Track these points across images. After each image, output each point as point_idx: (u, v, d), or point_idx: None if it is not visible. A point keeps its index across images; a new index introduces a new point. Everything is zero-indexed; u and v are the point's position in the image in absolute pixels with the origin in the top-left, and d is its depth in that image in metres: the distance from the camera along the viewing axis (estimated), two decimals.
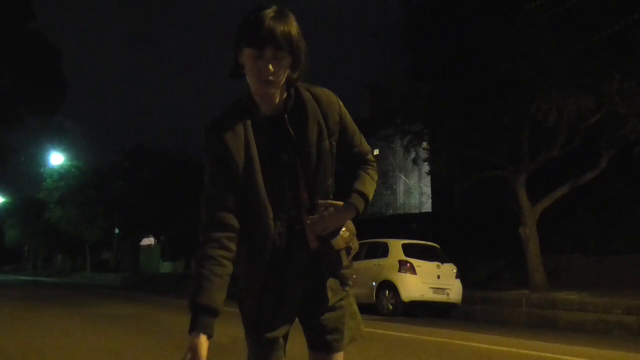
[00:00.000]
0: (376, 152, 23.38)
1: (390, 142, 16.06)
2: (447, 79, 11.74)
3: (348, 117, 1.69)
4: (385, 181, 24.91)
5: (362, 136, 1.75)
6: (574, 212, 13.56)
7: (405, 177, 25.59)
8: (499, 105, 11.29)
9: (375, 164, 1.76)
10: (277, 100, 1.59)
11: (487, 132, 11.61)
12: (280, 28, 1.49)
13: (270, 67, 1.51)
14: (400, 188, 26.13)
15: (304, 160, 1.59)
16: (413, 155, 13.49)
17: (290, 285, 1.62)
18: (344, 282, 1.68)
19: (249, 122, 1.59)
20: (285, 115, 1.59)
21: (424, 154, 14.02)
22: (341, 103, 1.68)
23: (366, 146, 1.75)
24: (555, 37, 10.06)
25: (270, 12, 1.50)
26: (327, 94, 1.65)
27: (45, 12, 49.19)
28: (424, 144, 13.81)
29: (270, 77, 1.52)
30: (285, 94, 1.60)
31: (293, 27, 1.53)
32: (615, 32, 9.31)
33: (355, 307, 1.77)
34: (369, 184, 1.70)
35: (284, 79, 1.55)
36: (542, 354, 5.85)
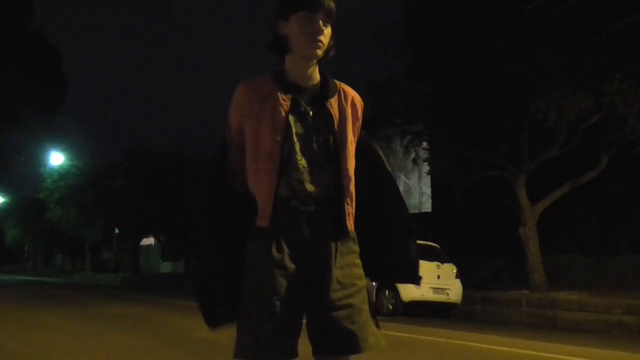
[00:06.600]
0: None
1: (390, 142, 16.06)
2: (447, 79, 11.75)
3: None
4: None
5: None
6: (574, 212, 13.56)
7: (405, 177, 25.60)
8: (499, 105, 11.30)
9: None
10: (313, 76, 1.67)
11: (487, 132, 11.61)
12: (329, 1, 1.61)
13: (322, 27, 1.61)
14: (400, 188, 26.08)
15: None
16: (413, 155, 13.49)
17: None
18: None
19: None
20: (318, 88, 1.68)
21: (424, 154, 14.03)
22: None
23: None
24: (555, 37, 10.06)
25: None
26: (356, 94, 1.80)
27: (45, 12, 49.23)
28: (424, 144, 13.81)
29: (321, 38, 1.61)
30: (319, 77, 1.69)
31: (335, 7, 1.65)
32: (615, 32, 9.32)
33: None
34: None
35: (325, 48, 1.64)
36: (542, 354, 5.84)
